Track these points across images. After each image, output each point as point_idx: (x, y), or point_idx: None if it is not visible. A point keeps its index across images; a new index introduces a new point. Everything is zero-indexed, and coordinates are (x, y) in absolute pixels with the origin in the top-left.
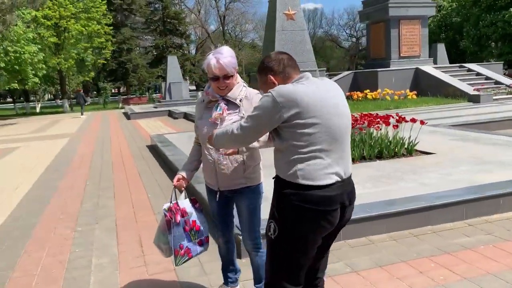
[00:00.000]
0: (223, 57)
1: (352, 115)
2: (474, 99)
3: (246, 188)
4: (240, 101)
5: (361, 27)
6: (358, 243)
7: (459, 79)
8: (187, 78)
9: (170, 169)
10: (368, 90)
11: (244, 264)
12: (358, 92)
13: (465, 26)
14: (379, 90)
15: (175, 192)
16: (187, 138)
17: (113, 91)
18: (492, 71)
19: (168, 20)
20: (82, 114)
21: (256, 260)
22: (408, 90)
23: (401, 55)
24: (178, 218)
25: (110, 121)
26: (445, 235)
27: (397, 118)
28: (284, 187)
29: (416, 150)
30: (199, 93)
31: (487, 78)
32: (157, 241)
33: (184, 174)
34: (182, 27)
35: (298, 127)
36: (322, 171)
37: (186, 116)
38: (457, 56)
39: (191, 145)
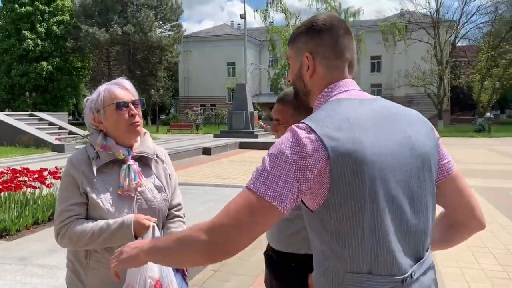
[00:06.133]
0: (125, 82)
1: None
2: (59, 149)
3: None
4: (157, 157)
5: None
6: None
7: (36, 128)
8: None
9: None
10: None
11: None
12: None
13: None
14: None
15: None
16: None
17: None
18: (60, 120)
19: None
20: None
21: None
22: None
23: None
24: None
25: None
26: None
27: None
28: None
29: None
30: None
31: (61, 128)
32: None
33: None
34: None
35: None
36: None
37: None
38: None
39: None
